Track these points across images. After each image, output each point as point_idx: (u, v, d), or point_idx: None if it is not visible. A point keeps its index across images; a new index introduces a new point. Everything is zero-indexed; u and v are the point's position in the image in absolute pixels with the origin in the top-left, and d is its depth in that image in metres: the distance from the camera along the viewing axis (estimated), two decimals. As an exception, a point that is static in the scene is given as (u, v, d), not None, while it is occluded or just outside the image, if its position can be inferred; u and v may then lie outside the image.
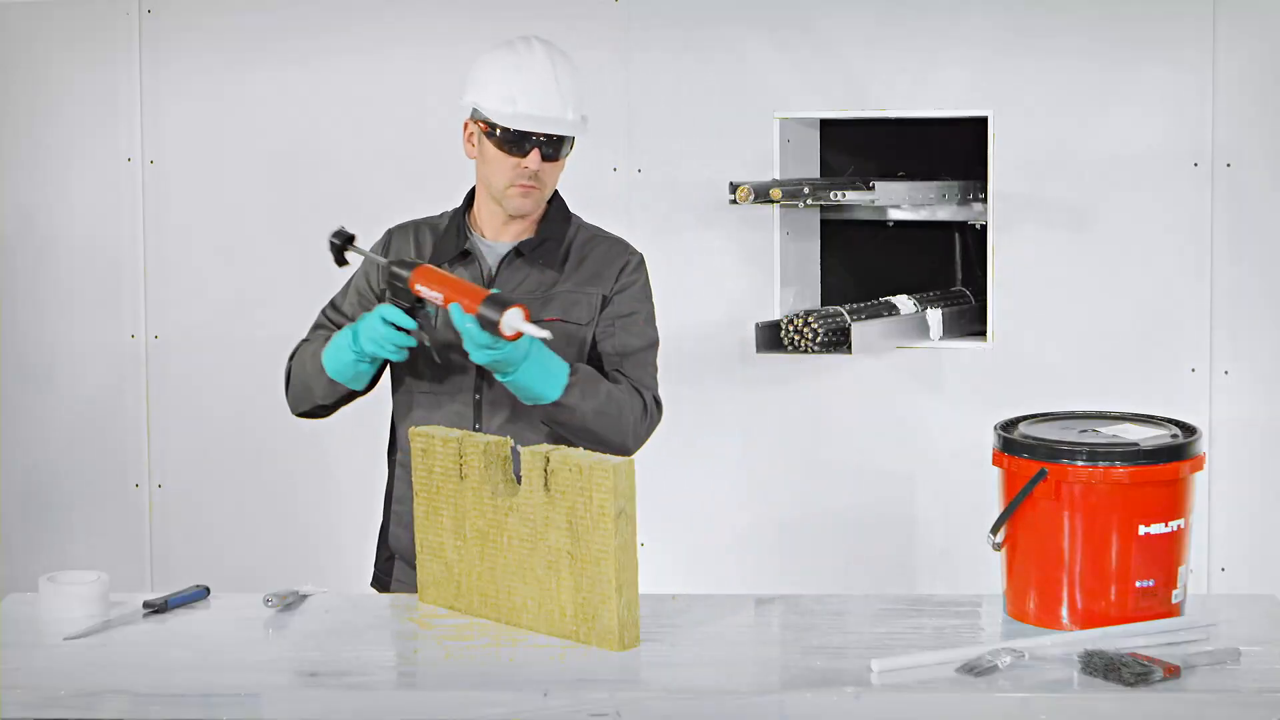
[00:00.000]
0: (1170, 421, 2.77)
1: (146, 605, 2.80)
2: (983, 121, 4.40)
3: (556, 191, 3.17)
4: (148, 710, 2.42)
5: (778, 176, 4.46)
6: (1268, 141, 4.28)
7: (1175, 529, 2.64)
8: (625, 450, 2.99)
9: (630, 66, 4.55)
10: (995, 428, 2.76)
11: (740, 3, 4.50)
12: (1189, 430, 2.72)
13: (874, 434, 4.50)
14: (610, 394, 3.00)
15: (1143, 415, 2.82)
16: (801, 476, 4.54)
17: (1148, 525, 2.62)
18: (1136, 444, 2.65)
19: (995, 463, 2.73)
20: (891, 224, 4.80)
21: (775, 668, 2.49)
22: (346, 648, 2.62)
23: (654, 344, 3.15)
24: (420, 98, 4.64)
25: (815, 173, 4.69)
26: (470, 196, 3.19)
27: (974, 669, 2.45)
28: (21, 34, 4.76)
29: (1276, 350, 4.32)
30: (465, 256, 3.12)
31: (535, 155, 3.04)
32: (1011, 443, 2.70)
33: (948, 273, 4.97)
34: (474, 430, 3.03)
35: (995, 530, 2.71)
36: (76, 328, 4.81)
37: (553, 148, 3.06)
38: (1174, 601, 2.66)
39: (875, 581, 4.48)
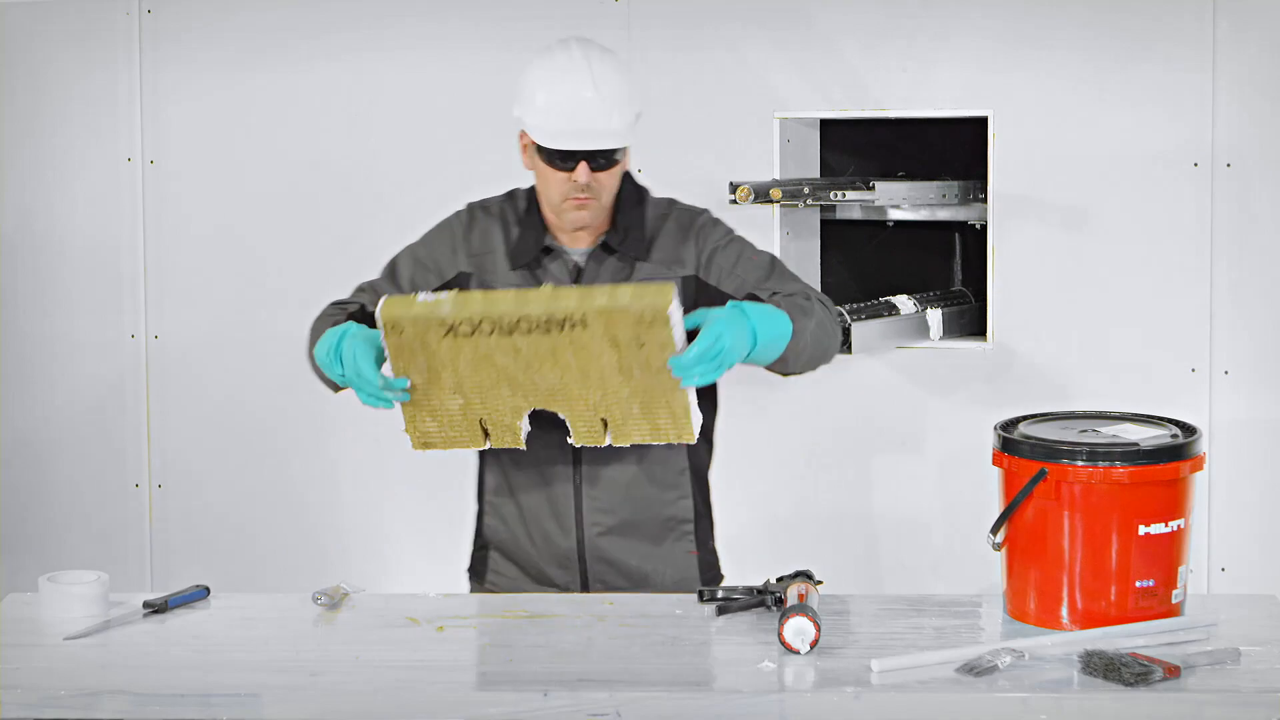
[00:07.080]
0: (1170, 421, 2.77)
1: (146, 605, 2.80)
2: (983, 121, 4.40)
3: (627, 173, 3.03)
4: (148, 710, 2.42)
5: (778, 176, 4.46)
6: (1268, 141, 4.27)
7: (1175, 529, 2.64)
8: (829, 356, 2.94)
9: (630, 66, 4.54)
10: (995, 428, 2.76)
11: (740, 3, 4.50)
12: (1189, 430, 2.72)
13: (874, 434, 4.50)
14: (799, 303, 2.87)
15: (1143, 415, 2.82)
16: (801, 476, 4.54)
17: (1148, 525, 2.62)
18: (1136, 444, 2.65)
19: (995, 463, 2.73)
20: (891, 224, 4.79)
21: (775, 668, 2.49)
22: (346, 648, 2.62)
23: (774, 258, 3.04)
24: (421, 97, 4.64)
25: (815, 173, 4.68)
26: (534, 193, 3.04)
27: (974, 669, 2.45)
28: (21, 34, 4.75)
29: (1276, 350, 4.32)
30: (549, 253, 2.99)
31: (583, 168, 2.91)
32: (1011, 443, 2.70)
33: (948, 273, 4.96)
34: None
35: (995, 530, 2.71)
36: (77, 328, 4.81)
37: (603, 157, 2.93)
38: (1174, 601, 2.66)
39: (875, 581, 4.48)
